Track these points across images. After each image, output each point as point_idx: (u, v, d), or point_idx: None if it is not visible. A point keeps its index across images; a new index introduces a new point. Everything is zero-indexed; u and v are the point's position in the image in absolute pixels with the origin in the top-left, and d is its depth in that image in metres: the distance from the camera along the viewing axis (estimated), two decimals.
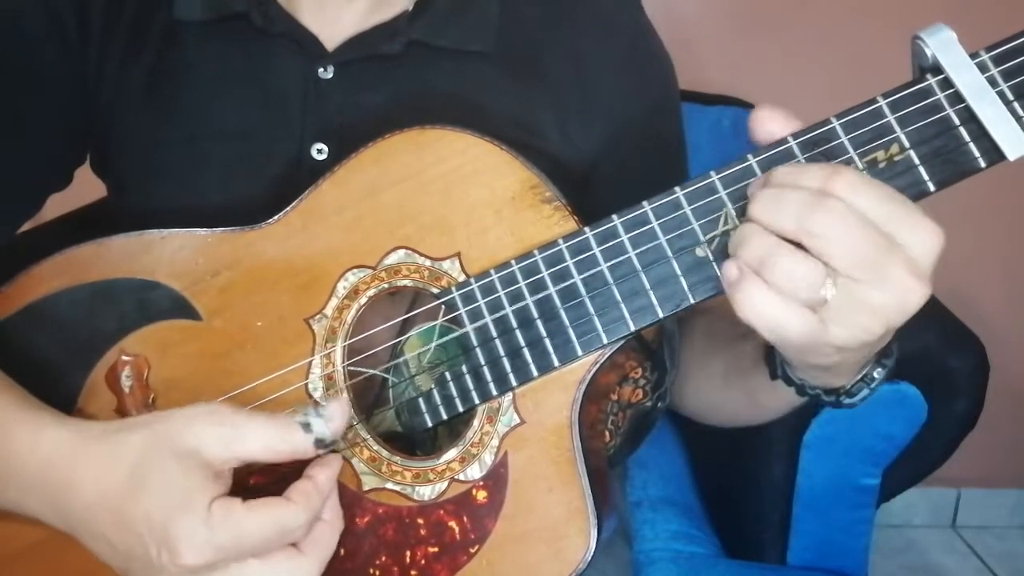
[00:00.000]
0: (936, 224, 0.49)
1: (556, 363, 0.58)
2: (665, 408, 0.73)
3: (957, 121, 0.51)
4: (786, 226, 0.49)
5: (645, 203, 0.56)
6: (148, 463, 0.53)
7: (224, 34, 0.73)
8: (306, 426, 0.54)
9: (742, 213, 0.54)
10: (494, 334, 0.59)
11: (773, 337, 0.51)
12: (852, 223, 0.47)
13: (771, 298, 0.49)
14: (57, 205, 0.88)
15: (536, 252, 0.58)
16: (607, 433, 0.68)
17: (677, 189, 0.55)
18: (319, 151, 0.72)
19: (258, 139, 0.74)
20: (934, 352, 1.09)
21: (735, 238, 0.51)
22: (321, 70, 0.73)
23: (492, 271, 0.59)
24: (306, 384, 0.62)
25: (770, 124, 0.54)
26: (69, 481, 0.56)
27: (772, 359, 0.63)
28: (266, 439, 0.53)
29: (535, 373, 0.58)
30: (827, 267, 0.48)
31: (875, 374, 0.60)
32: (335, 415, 0.55)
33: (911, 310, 0.49)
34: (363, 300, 0.62)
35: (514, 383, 0.58)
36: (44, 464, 0.57)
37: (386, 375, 0.65)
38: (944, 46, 0.51)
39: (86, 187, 0.83)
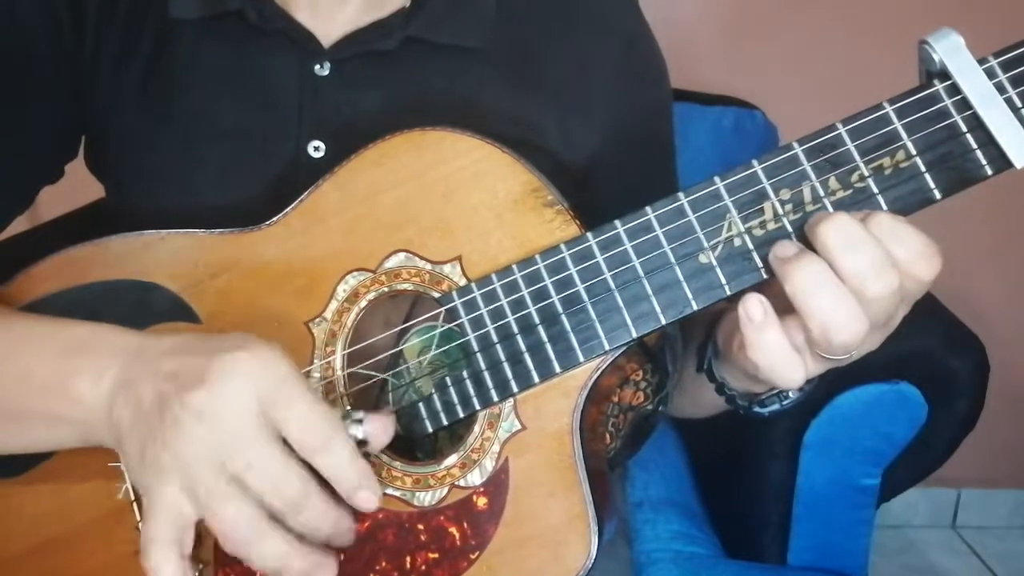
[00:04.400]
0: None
1: (558, 369, 0.57)
2: (665, 411, 0.73)
3: (964, 128, 0.51)
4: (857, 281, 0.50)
5: (648, 209, 0.55)
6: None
7: (219, 32, 0.73)
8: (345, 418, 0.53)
9: (747, 219, 0.54)
10: (495, 339, 0.58)
11: (771, 376, 0.53)
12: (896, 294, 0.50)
13: (790, 350, 0.52)
14: (56, 205, 0.88)
15: (538, 257, 0.57)
16: (607, 435, 0.68)
17: (681, 195, 0.55)
18: (316, 149, 0.72)
19: (255, 137, 0.73)
20: (934, 352, 1.09)
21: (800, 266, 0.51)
22: (317, 67, 0.72)
23: (494, 276, 0.58)
24: None
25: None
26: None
27: (703, 351, 0.64)
28: (313, 401, 0.51)
29: (536, 379, 0.58)
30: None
31: (790, 393, 0.61)
32: (378, 423, 0.54)
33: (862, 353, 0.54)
34: (363, 304, 0.61)
35: (515, 389, 0.58)
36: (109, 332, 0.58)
37: (387, 379, 0.64)
38: (952, 51, 0.51)
39: (84, 187, 0.83)
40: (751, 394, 0.64)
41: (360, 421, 0.53)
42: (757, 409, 0.64)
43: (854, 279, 0.49)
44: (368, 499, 0.52)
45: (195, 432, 0.50)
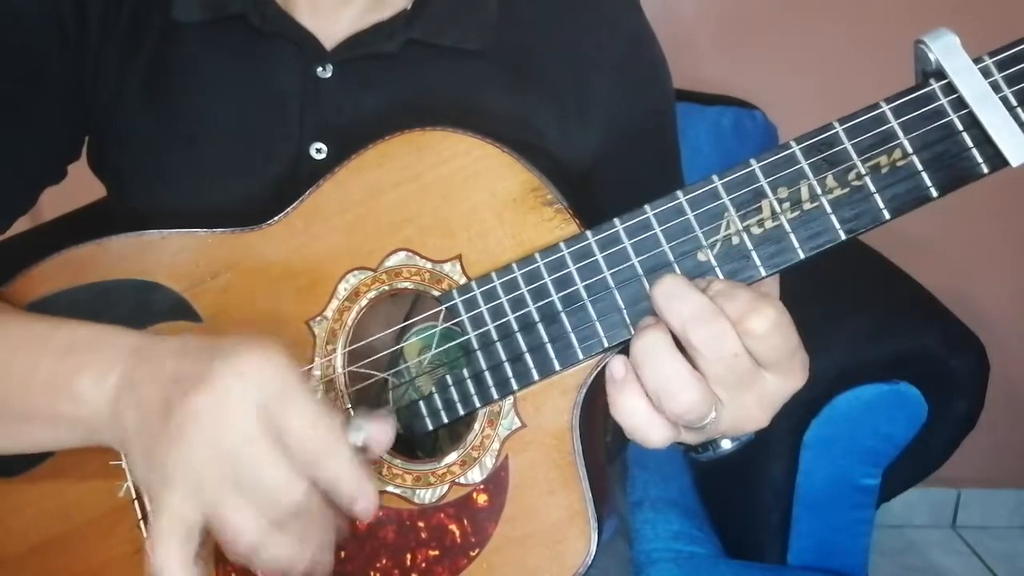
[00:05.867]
0: (804, 372, 0.53)
1: (557, 367, 0.57)
2: None
3: (960, 127, 0.51)
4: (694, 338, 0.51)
5: (647, 207, 0.55)
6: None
7: (222, 35, 0.73)
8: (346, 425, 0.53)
9: (745, 217, 0.54)
10: (495, 338, 0.58)
11: (634, 436, 0.54)
12: (739, 354, 0.51)
13: (650, 412, 0.53)
14: (56, 205, 0.88)
15: (538, 256, 0.58)
16: (605, 431, 0.68)
17: (679, 193, 0.55)
18: (318, 151, 0.72)
19: (257, 139, 0.74)
20: (934, 352, 1.09)
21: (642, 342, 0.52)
22: (320, 69, 0.72)
23: (493, 274, 0.58)
24: None
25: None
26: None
27: None
28: (314, 409, 0.51)
29: (536, 377, 0.58)
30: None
31: (723, 444, 0.61)
32: (378, 429, 0.53)
33: (758, 426, 0.55)
34: (364, 302, 0.62)
35: (515, 387, 0.58)
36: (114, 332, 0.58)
37: (387, 378, 0.65)
38: (947, 51, 0.51)
39: (86, 187, 0.83)
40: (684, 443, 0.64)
41: (360, 428, 0.53)
42: (693, 455, 0.64)
43: (679, 329, 0.51)
44: (365, 509, 0.52)
45: (199, 437, 0.49)
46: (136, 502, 0.64)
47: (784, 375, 0.52)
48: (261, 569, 0.51)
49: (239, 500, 0.49)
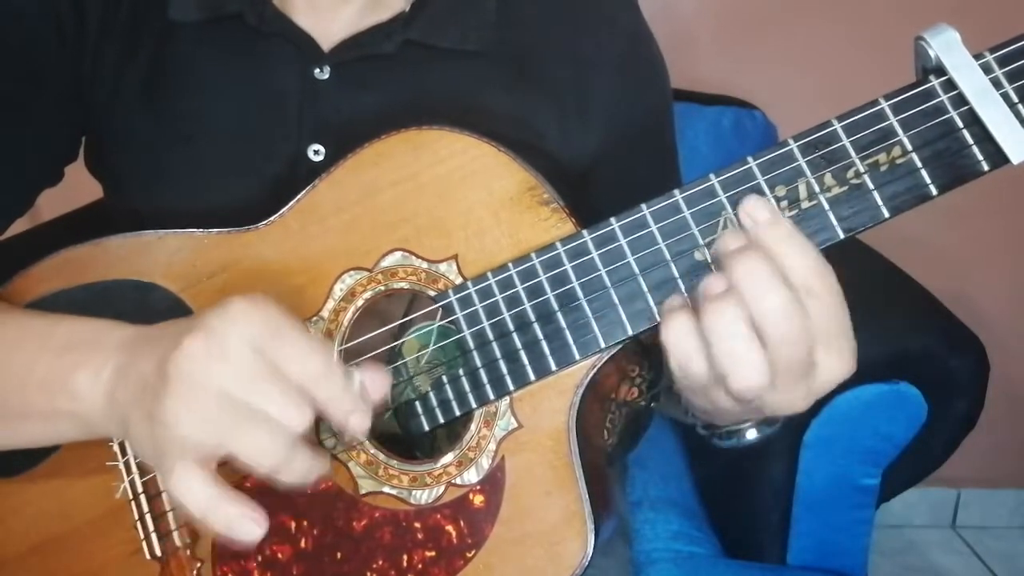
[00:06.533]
0: (852, 361, 0.52)
1: (553, 367, 0.57)
2: (656, 407, 0.73)
3: (960, 124, 0.51)
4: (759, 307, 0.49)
5: (644, 206, 0.55)
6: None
7: (219, 35, 0.73)
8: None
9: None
10: (491, 337, 0.58)
11: (677, 368, 0.53)
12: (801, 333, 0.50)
13: (698, 344, 0.51)
14: (54, 205, 0.88)
15: (534, 255, 0.57)
16: (605, 432, 0.68)
17: (676, 192, 0.54)
18: (316, 152, 0.72)
19: (255, 140, 0.73)
20: (934, 352, 1.09)
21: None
22: (317, 70, 0.72)
23: (489, 274, 0.58)
24: None
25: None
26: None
27: None
28: (308, 340, 0.50)
29: (532, 377, 0.58)
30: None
31: (748, 434, 0.61)
32: (372, 374, 0.52)
33: (795, 411, 0.54)
34: (360, 302, 0.62)
35: (511, 387, 0.58)
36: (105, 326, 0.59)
37: None
38: (947, 47, 0.50)
39: (84, 187, 0.83)
40: (712, 425, 0.63)
41: (354, 374, 0.51)
42: (716, 442, 0.64)
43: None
44: (360, 422, 0.51)
45: (198, 378, 0.49)
46: (133, 502, 0.64)
47: (836, 354, 0.51)
48: (289, 484, 0.50)
49: (248, 428, 0.48)
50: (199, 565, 0.62)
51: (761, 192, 0.53)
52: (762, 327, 0.49)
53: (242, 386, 0.48)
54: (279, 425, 0.49)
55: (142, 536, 0.64)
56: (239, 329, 0.49)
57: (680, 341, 0.51)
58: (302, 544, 0.61)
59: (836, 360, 0.51)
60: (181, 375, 0.49)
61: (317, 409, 0.50)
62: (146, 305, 0.64)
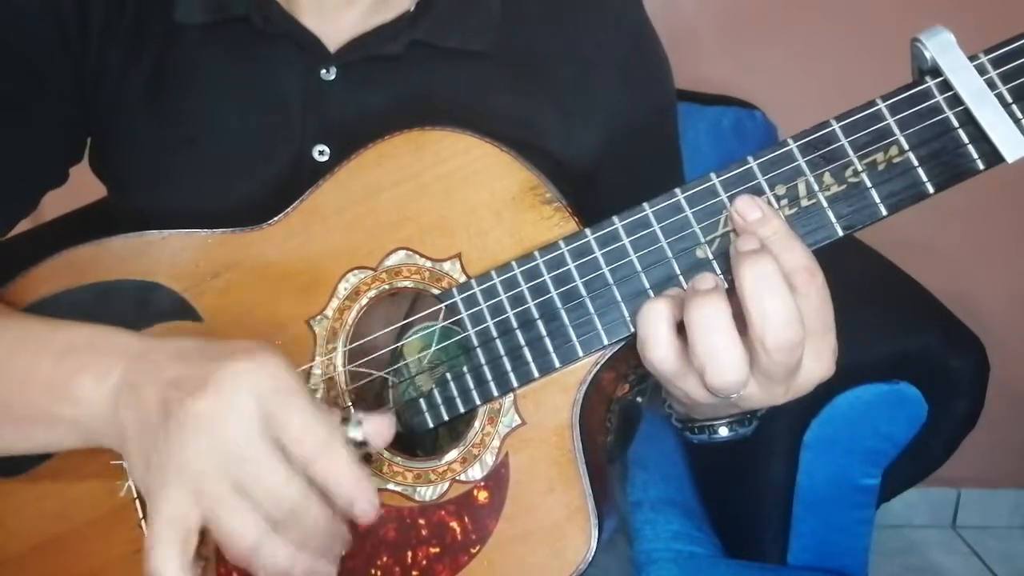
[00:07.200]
0: (833, 362, 0.54)
1: (557, 364, 0.58)
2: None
3: (956, 123, 0.51)
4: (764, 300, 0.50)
5: (646, 205, 0.56)
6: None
7: (225, 37, 0.73)
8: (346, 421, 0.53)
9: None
10: (495, 335, 0.59)
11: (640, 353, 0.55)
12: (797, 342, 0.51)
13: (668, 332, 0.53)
14: (57, 205, 0.88)
15: (537, 254, 0.58)
16: (605, 430, 0.68)
17: (678, 191, 0.55)
18: (321, 152, 0.72)
19: (260, 141, 0.74)
20: (934, 352, 1.09)
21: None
22: (323, 71, 0.73)
23: (493, 273, 0.59)
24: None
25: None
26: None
27: None
28: (311, 411, 0.51)
29: (536, 374, 0.58)
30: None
31: (720, 431, 0.62)
32: (377, 424, 0.53)
33: (774, 404, 0.56)
34: (364, 301, 0.62)
35: (515, 384, 0.58)
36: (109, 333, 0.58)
37: (387, 376, 0.65)
38: (943, 48, 0.51)
39: (86, 187, 0.83)
40: (687, 419, 0.64)
41: (360, 423, 0.53)
42: (687, 435, 0.65)
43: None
44: (364, 511, 0.51)
45: (199, 441, 0.49)
46: (137, 501, 0.64)
47: (815, 355, 0.53)
48: (260, 573, 0.51)
49: (237, 501, 0.49)
50: (203, 564, 0.62)
51: (761, 191, 0.54)
52: (763, 332, 0.50)
53: (239, 460, 0.49)
54: (266, 501, 0.49)
55: (145, 536, 0.64)
56: (246, 396, 0.50)
57: (646, 324, 0.53)
58: None
59: (815, 363, 0.53)
60: (183, 438, 0.50)
61: (320, 487, 0.50)
62: (149, 305, 0.64)
